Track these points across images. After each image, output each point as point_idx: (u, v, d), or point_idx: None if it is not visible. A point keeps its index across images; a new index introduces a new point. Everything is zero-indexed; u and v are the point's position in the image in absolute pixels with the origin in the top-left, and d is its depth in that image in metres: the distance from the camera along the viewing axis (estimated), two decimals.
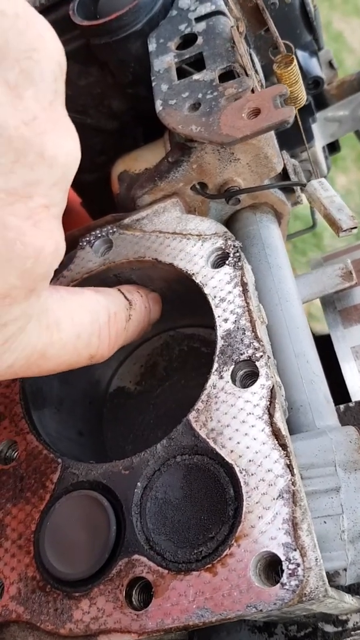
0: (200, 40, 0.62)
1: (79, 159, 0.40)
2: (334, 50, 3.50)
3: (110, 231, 0.67)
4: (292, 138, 0.83)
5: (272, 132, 0.65)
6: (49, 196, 0.38)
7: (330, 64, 0.92)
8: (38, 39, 0.36)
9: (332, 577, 0.51)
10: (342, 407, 0.60)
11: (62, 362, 0.49)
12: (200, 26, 0.63)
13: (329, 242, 2.73)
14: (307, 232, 0.91)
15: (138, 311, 0.60)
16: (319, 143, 0.93)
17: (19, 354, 0.43)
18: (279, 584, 0.44)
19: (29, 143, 0.36)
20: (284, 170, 0.69)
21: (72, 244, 0.68)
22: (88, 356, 0.52)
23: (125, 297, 0.60)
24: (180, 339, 0.78)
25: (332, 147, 1.07)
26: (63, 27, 0.71)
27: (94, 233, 0.68)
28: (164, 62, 0.63)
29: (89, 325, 0.51)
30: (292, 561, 0.44)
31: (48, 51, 0.36)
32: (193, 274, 0.61)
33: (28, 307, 0.41)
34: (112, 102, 0.76)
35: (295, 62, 0.60)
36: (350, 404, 0.60)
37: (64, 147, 0.38)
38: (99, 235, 0.67)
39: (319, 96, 0.91)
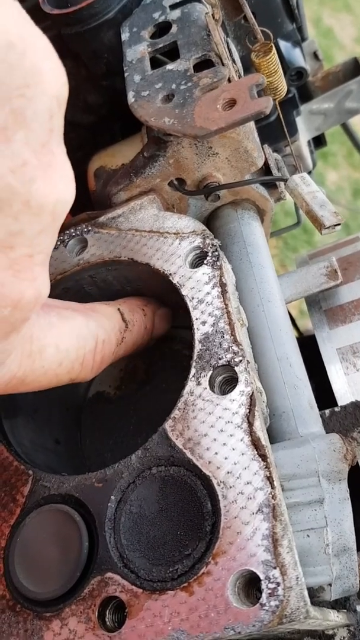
0: (174, 28, 0.59)
1: (72, 201, 0.37)
2: (324, 46, 3.48)
3: (85, 230, 0.64)
4: (275, 131, 0.80)
5: (253, 125, 0.62)
6: (33, 245, 0.35)
7: (315, 55, 0.89)
8: (33, 72, 0.31)
9: (316, 593, 0.49)
10: (327, 412, 0.58)
11: (40, 386, 0.48)
12: (175, 14, 0.60)
13: (321, 238, 2.71)
14: (292, 229, 0.89)
15: (134, 333, 0.59)
16: (304, 137, 0.90)
17: None
18: (258, 605, 0.41)
19: (15, 192, 0.32)
20: (266, 165, 0.66)
21: None
22: (68, 380, 0.51)
23: (123, 318, 0.58)
24: (161, 341, 0.75)
25: (318, 141, 1.04)
26: (34, 18, 0.68)
27: (67, 232, 0.65)
28: (137, 51, 0.60)
29: (73, 352, 0.49)
30: (271, 580, 0.42)
31: (44, 86, 0.32)
32: (170, 274, 0.58)
33: (8, 344, 0.40)
34: (88, 96, 0.74)
35: (274, 50, 0.57)
36: (336, 409, 0.58)
37: (55, 194, 0.35)
38: (73, 234, 0.65)
39: (303, 88, 0.88)
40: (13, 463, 0.55)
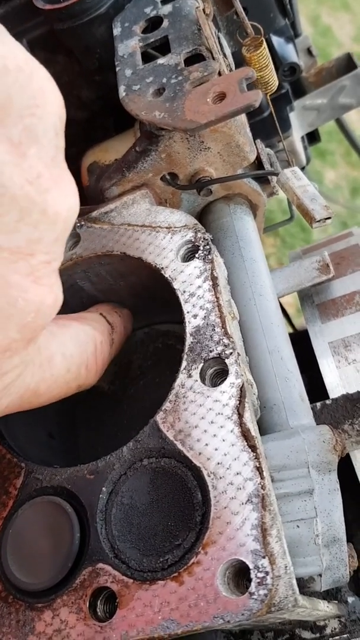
0: (166, 23, 0.60)
1: (78, 211, 0.40)
2: (323, 45, 3.47)
3: (78, 225, 0.65)
4: (268, 127, 0.80)
5: (244, 119, 0.62)
6: (50, 252, 0.38)
7: (309, 51, 0.89)
8: (39, 93, 0.34)
9: (306, 583, 0.49)
10: (318, 404, 0.58)
11: (52, 397, 0.50)
12: (167, 8, 0.61)
13: (318, 235, 2.71)
14: (285, 224, 0.89)
15: (119, 333, 0.62)
16: (297, 132, 0.90)
17: (14, 396, 0.44)
18: (246, 594, 0.42)
19: (33, 202, 0.35)
20: (258, 159, 0.67)
21: None
22: (76, 387, 0.53)
23: (107, 321, 0.60)
24: (155, 336, 0.76)
25: (313, 138, 1.04)
26: (26, 13, 0.68)
27: None
28: (129, 46, 0.60)
29: (77, 357, 0.51)
30: (260, 569, 0.42)
31: (50, 105, 0.35)
32: (162, 268, 0.58)
33: (27, 354, 0.42)
34: (81, 91, 0.74)
35: (264, 45, 0.58)
36: (327, 402, 0.58)
37: (66, 203, 0.38)
38: None
39: (297, 84, 0.88)
40: (6, 456, 0.55)
